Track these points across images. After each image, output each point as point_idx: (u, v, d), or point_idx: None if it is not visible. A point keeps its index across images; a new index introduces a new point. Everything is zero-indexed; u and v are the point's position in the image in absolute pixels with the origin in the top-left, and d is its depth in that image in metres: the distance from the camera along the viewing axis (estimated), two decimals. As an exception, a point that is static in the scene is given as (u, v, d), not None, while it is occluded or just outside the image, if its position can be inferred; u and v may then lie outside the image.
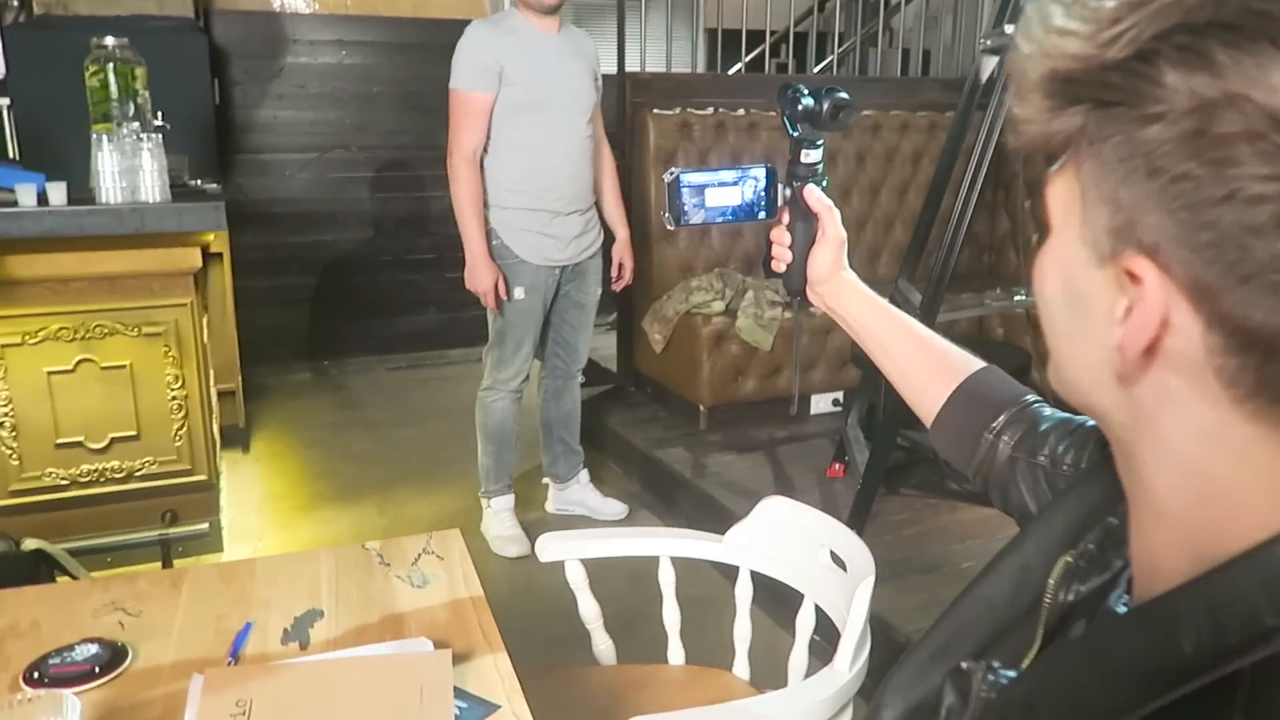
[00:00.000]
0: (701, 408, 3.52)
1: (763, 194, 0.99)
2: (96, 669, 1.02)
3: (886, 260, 4.19)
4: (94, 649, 1.04)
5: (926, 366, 0.90)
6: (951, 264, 2.51)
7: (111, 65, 2.65)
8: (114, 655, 1.04)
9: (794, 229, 0.95)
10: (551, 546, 1.43)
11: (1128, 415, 0.47)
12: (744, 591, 1.45)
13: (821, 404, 3.66)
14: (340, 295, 4.77)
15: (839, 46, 4.71)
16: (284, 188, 4.58)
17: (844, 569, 1.33)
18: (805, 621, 1.37)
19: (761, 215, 0.99)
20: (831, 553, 1.35)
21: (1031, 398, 0.86)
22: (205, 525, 2.76)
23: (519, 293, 2.73)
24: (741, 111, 3.93)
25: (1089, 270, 0.45)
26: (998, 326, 3.78)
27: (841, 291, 0.96)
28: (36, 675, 1.01)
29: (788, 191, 0.95)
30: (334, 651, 1.06)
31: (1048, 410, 0.84)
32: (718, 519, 2.94)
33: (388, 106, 4.65)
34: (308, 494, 3.37)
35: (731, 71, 4.69)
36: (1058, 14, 0.42)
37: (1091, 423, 0.80)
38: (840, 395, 3.64)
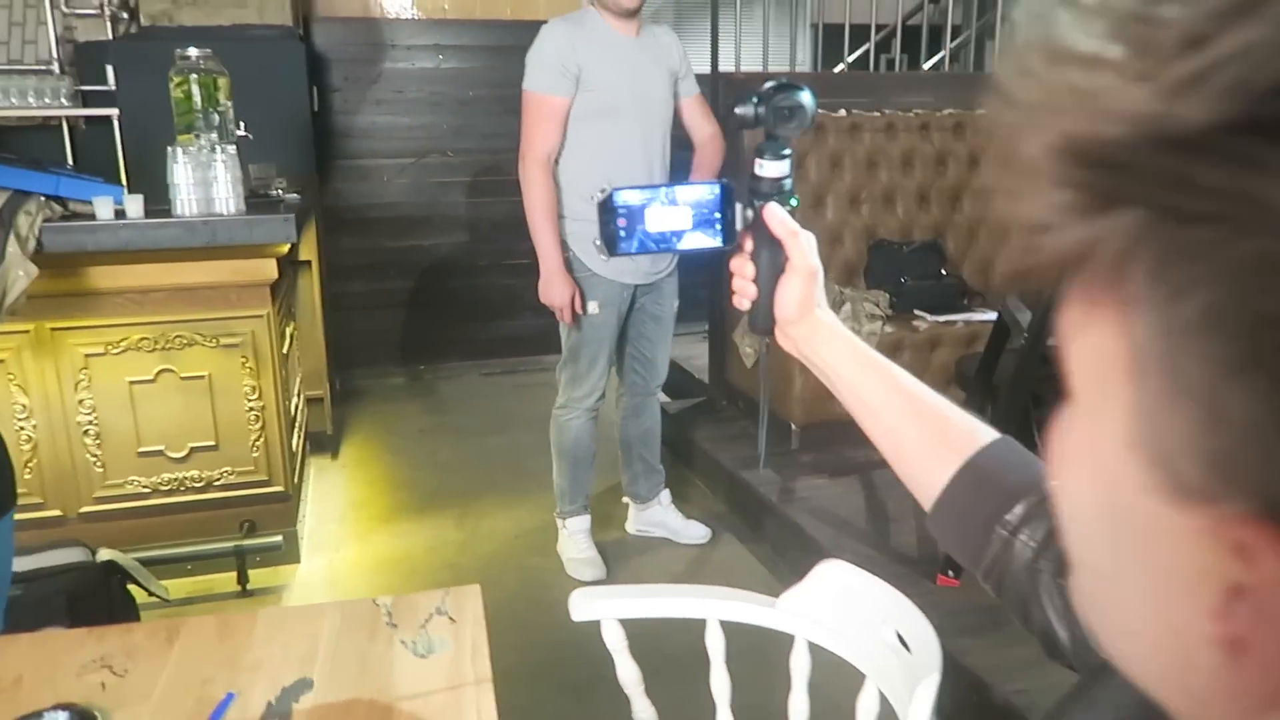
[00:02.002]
0: (794, 426, 3.33)
1: (717, 216, 0.80)
2: (61, 741, 0.94)
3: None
4: (63, 717, 0.97)
5: (924, 436, 0.72)
6: (1066, 280, 2.26)
7: (195, 76, 2.65)
8: (83, 725, 0.96)
9: (757, 258, 0.79)
10: (585, 605, 1.29)
11: (1217, 711, 0.27)
12: (800, 663, 1.28)
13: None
14: (436, 300, 4.78)
15: (953, 40, 4.42)
16: (381, 193, 4.61)
17: (908, 650, 1.15)
18: (867, 706, 1.20)
19: (717, 242, 0.80)
20: (897, 633, 1.17)
21: None
22: (280, 537, 2.74)
23: (592, 307, 2.61)
24: (843, 113, 3.71)
25: (1151, 501, 0.26)
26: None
27: (815, 335, 0.78)
28: (3, 743, 0.94)
29: (749, 213, 0.79)
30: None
31: None
32: (804, 549, 2.75)
33: (484, 110, 4.62)
34: (389, 503, 3.35)
35: (836, 70, 4.46)
36: (1079, 28, 0.24)
37: None
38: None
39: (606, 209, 0.78)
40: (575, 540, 2.84)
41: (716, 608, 1.31)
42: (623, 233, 0.79)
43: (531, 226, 2.55)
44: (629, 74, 2.52)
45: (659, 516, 3.02)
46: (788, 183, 0.79)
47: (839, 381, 0.78)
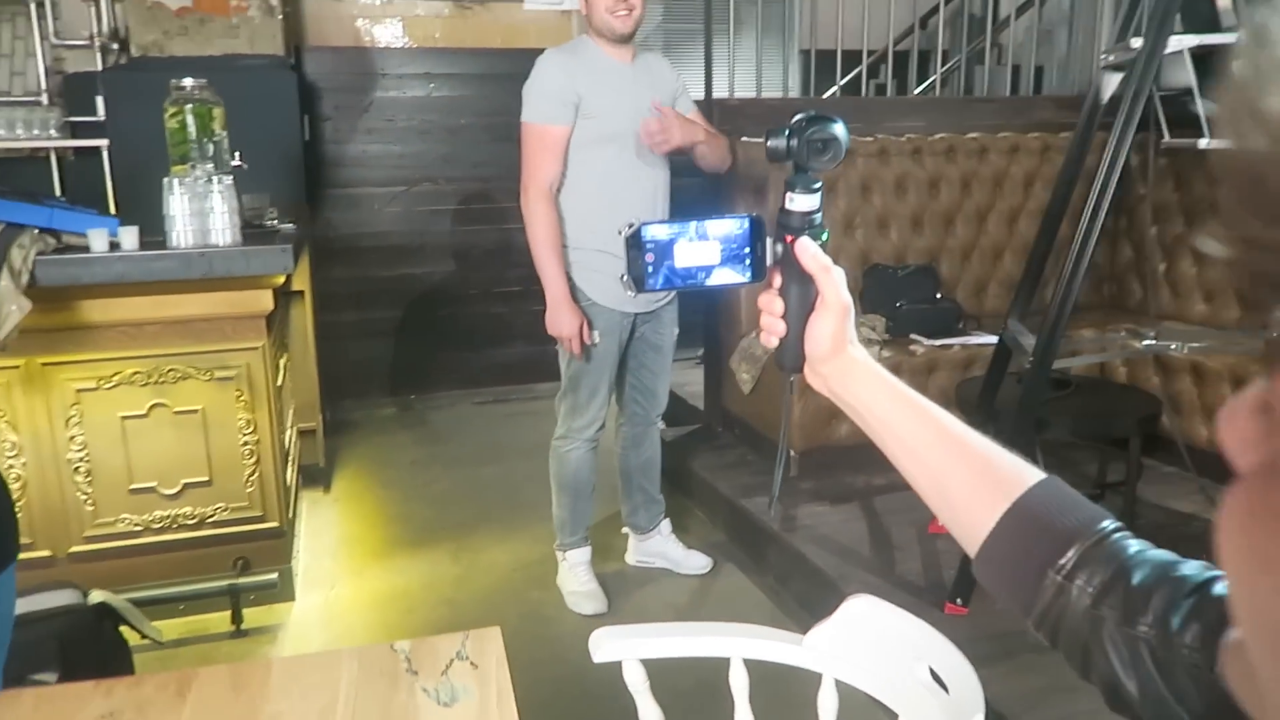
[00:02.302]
0: (792, 452, 3.30)
1: (747, 251, 0.77)
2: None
3: (995, 292, 3.90)
4: (73, 778, 0.92)
5: (967, 477, 0.69)
6: (1071, 302, 2.26)
7: (190, 106, 2.62)
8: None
9: (787, 294, 0.77)
10: (607, 645, 1.26)
11: None
12: (828, 703, 1.24)
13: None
14: (427, 328, 4.74)
15: (942, 65, 4.45)
16: (372, 221, 4.58)
17: (944, 688, 1.12)
18: (900, 746, 1.17)
19: (746, 278, 0.78)
20: (930, 669, 1.14)
21: (1109, 524, 0.64)
22: (275, 575, 2.68)
23: (593, 337, 2.58)
24: (836, 137, 3.71)
25: None
26: (1120, 365, 3.45)
27: (849, 373, 0.76)
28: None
29: (779, 247, 0.76)
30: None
31: (1133, 544, 0.63)
32: (808, 579, 2.72)
33: (474, 138, 4.61)
34: (383, 537, 3.29)
35: (826, 95, 4.47)
36: None
37: (1207, 574, 0.59)
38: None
39: (634, 244, 0.76)
40: (576, 573, 2.80)
41: (742, 646, 1.28)
42: (650, 268, 0.76)
43: (536, 257, 2.53)
44: (628, 101, 2.51)
45: (659, 547, 2.98)
46: (818, 216, 0.77)
47: (874, 421, 0.75)
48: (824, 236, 0.77)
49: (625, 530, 3.03)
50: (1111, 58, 2.45)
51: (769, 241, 0.77)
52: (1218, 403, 3.10)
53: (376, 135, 4.51)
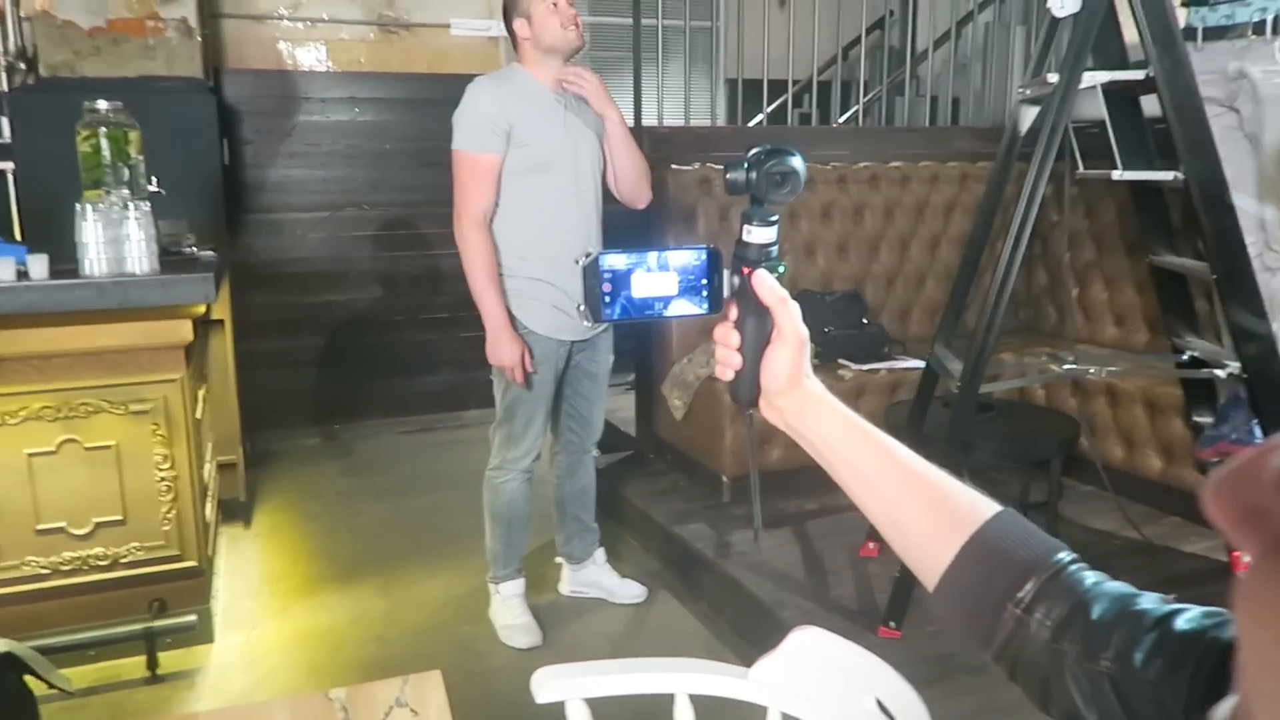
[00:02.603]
0: (725, 478, 3.31)
1: (704, 282, 0.77)
2: None
3: (919, 317, 4.00)
4: None
5: (924, 511, 0.70)
6: (995, 329, 2.32)
7: (104, 129, 2.53)
8: None
9: (743, 326, 0.76)
10: (550, 685, 1.23)
11: None
12: (774, 736, 1.24)
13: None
14: (352, 356, 4.64)
15: (865, 95, 4.56)
16: (295, 247, 4.47)
17: (891, 719, 1.12)
18: (847, 778, 1.16)
19: (703, 309, 0.77)
20: (878, 700, 1.14)
21: (1065, 555, 0.65)
22: (194, 616, 2.57)
23: (532, 365, 2.55)
24: (764, 165, 3.77)
25: None
26: (1039, 388, 3.56)
27: (806, 407, 0.76)
28: None
29: (735, 279, 0.76)
30: None
31: (1089, 576, 0.64)
32: (743, 606, 2.72)
33: (401, 163, 4.55)
34: (308, 573, 3.19)
35: (753, 123, 4.55)
36: None
37: (1166, 609, 0.60)
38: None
39: (591, 274, 0.74)
40: (509, 606, 2.75)
41: (687, 681, 1.26)
42: (607, 298, 0.75)
43: (473, 286, 2.50)
44: (559, 129, 2.50)
45: (594, 576, 2.95)
46: (775, 249, 0.77)
47: (831, 455, 0.75)
48: (781, 269, 0.77)
49: (559, 560, 3.00)
50: (1028, 91, 2.54)
51: (726, 274, 0.77)
52: (1131, 424, 3.22)
53: (299, 160, 4.42)
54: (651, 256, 0.76)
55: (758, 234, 0.76)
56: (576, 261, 0.75)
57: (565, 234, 2.51)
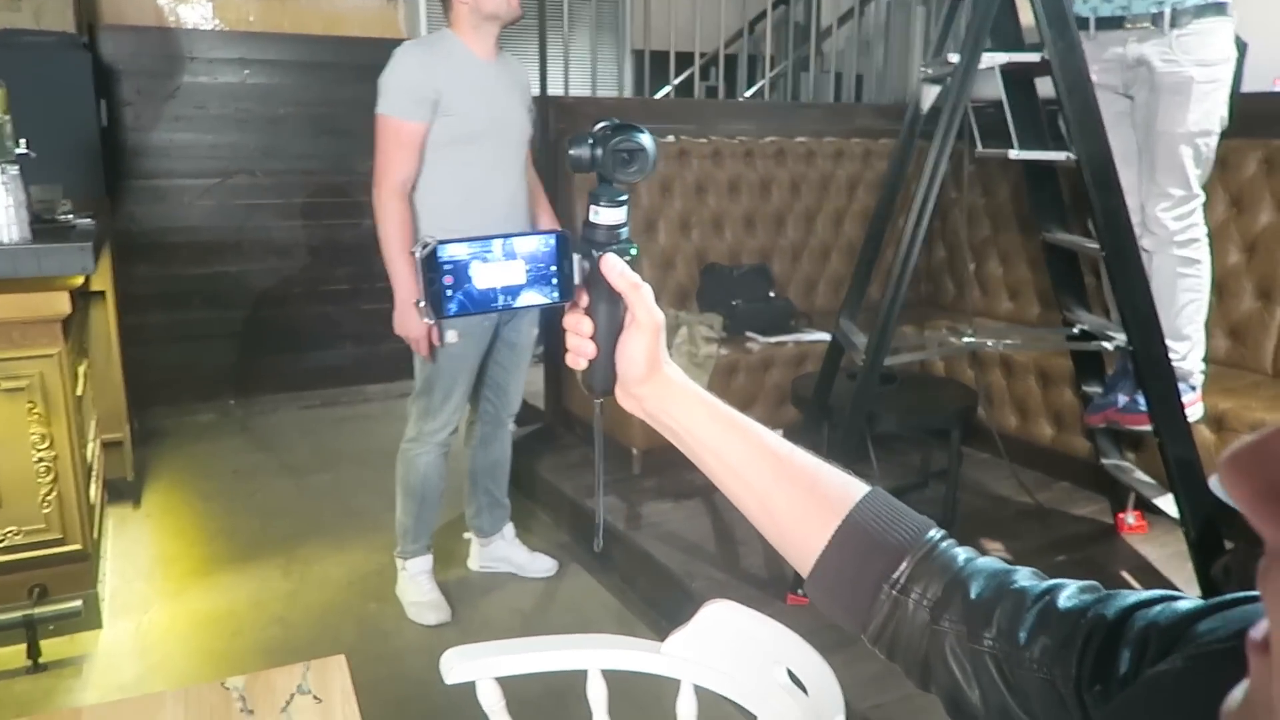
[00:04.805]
0: (635, 450, 3.32)
1: (552, 270, 0.72)
2: None
3: (824, 290, 4.06)
4: None
5: (794, 496, 0.69)
6: (899, 303, 2.36)
7: (-34, 87, 2.35)
8: None
9: (595, 313, 0.73)
10: (459, 666, 1.20)
11: None
12: (687, 709, 1.24)
13: (759, 444, 3.49)
14: (247, 330, 4.46)
15: (770, 70, 4.58)
16: (182, 216, 4.25)
17: (803, 690, 1.14)
18: (760, 748, 1.17)
19: (554, 298, 0.73)
20: (789, 671, 1.15)
21: (935, 533, 0.66)
22: (78, 602, 2.44)
23: (451, 336, 2.49)
24: (671, 138, 3.76)
25: None
26: (938, 361, 3.67)
27: (666, 394, 0.74)
28: None
29: (585, 264, 0.73)
30: None
31: (961, 552, 0.65)
32: (654, 577, 2.74)
33: (296, 129, 4.37)
34: (204, 555, 3.07)
35: (659, 95, 4.52)
36: None
37: (1044, 585, 0.61)
38: (780, 434, 3.47)
39: (430, 265, 0.68)
40: (417, 582, 2.70)
41: (600, 657, 1.25)
42: (449, 291, 0.69)
43: (386, 256, 2.41)
44: (487, 100, 2.43)
45: (504, 551, 2.92)
46: (625, 231, 0.73)
47: (695, 444, 0.73)
48: (633, 252, 0.73)
49: (467, 535, 2.96)
50: (930, 71, 2.59)
51: (576, 259, 0.73)
52: (1025, 394, 3.35)
53: (185, 123, 4.20)
54: (496, 244, 0.71)
55: (605, 215, 0.72)
56: (412, 252, 0.69)
57: (493, 206, 2.45)
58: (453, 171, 2.41)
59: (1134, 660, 0.52)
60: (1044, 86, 2.43)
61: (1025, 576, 0.63)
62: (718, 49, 4.40)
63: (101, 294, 3.23)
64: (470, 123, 2.40)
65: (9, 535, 2.42)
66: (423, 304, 0.69)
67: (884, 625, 0.64)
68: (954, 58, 2.34)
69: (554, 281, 0.72)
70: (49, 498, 2.44)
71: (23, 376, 2.34)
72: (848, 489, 0.68)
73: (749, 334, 3.52)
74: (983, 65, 2.33)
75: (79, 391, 2.63)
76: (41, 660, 2.39)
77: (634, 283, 0.72)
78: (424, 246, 0.68)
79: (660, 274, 3.72)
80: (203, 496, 3.52)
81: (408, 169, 2.38)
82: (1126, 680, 0.52)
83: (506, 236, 0.71)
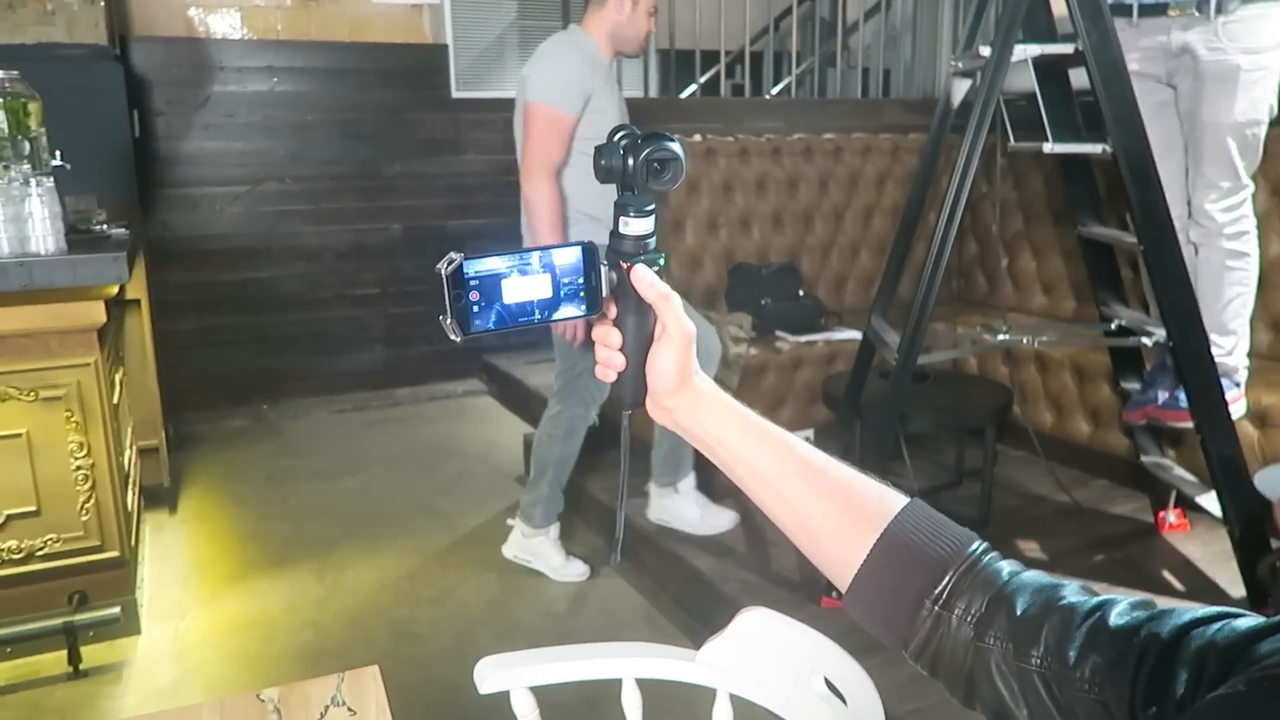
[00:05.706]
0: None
1: (580, 282, 0.70)
2: None
3: (853, 288, 4.03)
4: None
5: (831, 509, 0.67)
6: (932, 301, 2.33)
7: (1, 101, 2.37)
8: None
9: (624, 324, 0.72)
10: (493, 676, 1.20)
11: None
12: (723, 718, 1.23)
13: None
14: (277, 335, 4.50)
15: (797, 67, 4.55)
16: (214, 223, 4.30)
17: (841, 699, 1.12)
18: (797, 757, 1.16)
19: (582, 310, 0.71)
20: (826, 679, 1.14)
21: (977, 545, 0.64)
22: (117, 609, 2.47)
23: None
24: (698, 137, 3.74)
25: None
26: (971, 358, 3.62)
27: (697, 406, 0.72)
28: None
29: (613, 275, 0.71)
30: None
31: (1005, 566, 0.63)
32: (685, 580, 2.73)
33: (324, 135, 4.40)
34: (238, 560, 3.09)
35: (685, 94, 4.50)
36: None
37: (1094, 601, 0.59)
38: (811, 434, 3.45)
39: (456, 282, 0.66)
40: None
41: (635, 666, 1.24)
42: (476, 307, 0.68)
43: (538, 237, 2.55)
44: (617, 99, 2.65)
45: (541, 549, 2.93)
46: (652, 240, 0.72)
47: (727, 455, 0.72)
48: (662, 261, 0.72)
49: (510, 522, 3.03)
50: (960, 64, 2.55)
51: (604, 270, 0.71)
52: (1061, 390, 3.29)
53: (215, 132, 4.24)
54: (521, 259, 0.69)
55: (634, 225, 0.71)
56: (437, 268, 0.66)
57: (609, 206, 2.51)
58: (586, 169, 2.56)
59: (1191, 681, 0.50)
60: (1078, 77, 2.39)
61: (1073, 591, 0.61)
62: (743, 46, 4.37)
63: (136, 302, 3.26)
64: (608, 119, 2.56)
65: (49, 543, 2.45)
66: (449, 320, 0.67)
67: (926, 642, 0.63)
68: (985, 51, 2.30)
69: (582, 294, 0.71)
70: (87, 505, 2.47)
71: (60, 385, 2.37)
72: (885, 500, 0.67)
73: (778, 333, 3.50)
74: (1015, 58, 2.29)
75: (115, 399, 2.65)
76: (82, 666, 2.42)
77: (664, 293, 0.71)
78: (449, 262, 0.66)
79: (688, 274, 3.70)
80: (236, 501, 3.55)
81: (560, 156, 2.56)
82: (1184, 703, 0.50)
83: (534, 250, 0.69)
